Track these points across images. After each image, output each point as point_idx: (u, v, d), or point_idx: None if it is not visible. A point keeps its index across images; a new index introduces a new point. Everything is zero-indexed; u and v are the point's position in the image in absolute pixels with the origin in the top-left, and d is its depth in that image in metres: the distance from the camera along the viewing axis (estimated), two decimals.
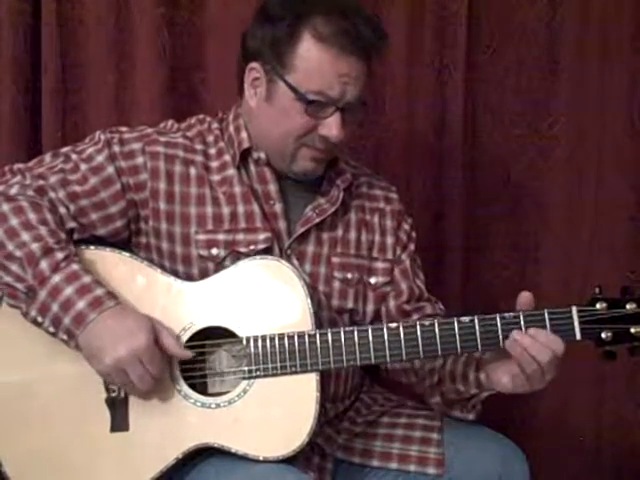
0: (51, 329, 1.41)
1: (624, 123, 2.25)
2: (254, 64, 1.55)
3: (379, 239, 1.69)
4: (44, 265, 1.41)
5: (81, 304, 1.39)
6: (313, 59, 1.49)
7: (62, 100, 2.02)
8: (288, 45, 1.50)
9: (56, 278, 1.40)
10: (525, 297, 1.46)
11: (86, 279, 1.42)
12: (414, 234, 1.75)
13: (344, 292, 1.63)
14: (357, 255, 1.65)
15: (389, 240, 1.70)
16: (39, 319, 1.41)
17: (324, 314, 1.57)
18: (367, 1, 2.11)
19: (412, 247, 1.73)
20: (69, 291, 1.40)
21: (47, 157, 1.56)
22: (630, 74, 2.24)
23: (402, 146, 2.22)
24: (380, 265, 1.68)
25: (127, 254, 1.52)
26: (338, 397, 1.64)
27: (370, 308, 1.66)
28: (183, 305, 1.48)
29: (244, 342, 1.46)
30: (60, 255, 1.42)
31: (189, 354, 1.45)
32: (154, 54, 2.03)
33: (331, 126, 1.52)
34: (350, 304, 1.63)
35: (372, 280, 1.66)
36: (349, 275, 1.63)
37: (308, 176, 1.60)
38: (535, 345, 1.41)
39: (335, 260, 1.62)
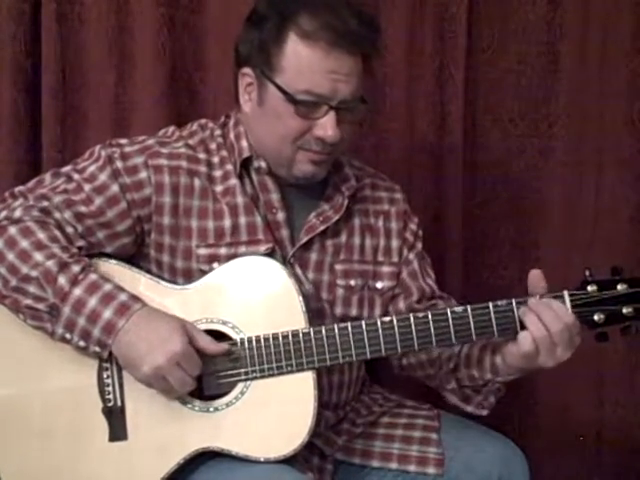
0: (81, 343, 1.40)
1: (624, 123, 2.25)
2: (246, 69, 1.53)
3: (384, 243, 1.67)
4: (62, 280, 1.39)
5: (108, 313, 1.39)
6: (299, 58, 1.46)
7: (62, 100, 2.01)
8: (275, 46, 1.47)
9: (77, 291, 1.39)
10: (534, 275, 1.47)
11: (107, 287, 1.41)
12: (421, 232, 1.73)
13: (347, 300, 1.61)
14: (361, 261, 1.64)
15: (394, 243, 1.68)
16: (67, 336, 1.40)
17: (327, 322, 1.54)
18: (367, 1, 2.12)
19: (419, 246, 1.71)
20: (93, 302, 1.39)
21: (47, 177, 1.52)
22: (630, 74, 2.23)
23: (402, 146, 2.22)
24: (386, 269, 1.66)
25: (114, 261, 1.50)
26: (339, 405, 1.63)
27: (377, 313, 1.64)
28: (174, 309, 1.46)
29: (238, 344, 1.45)
30: (76, 268, 1.41)
31: (225, 347, 1.44)
32: (154, 54, 2.03)
33: (325, 126, 1.48)
34: (354, 311, 1.62)
35: (378, 285, 1.65)
36: (352, 282, 1.62)
37: (309, 180, 1.57)
38: (549, 314, 1.40)
39: (338, 267, 1.61)
